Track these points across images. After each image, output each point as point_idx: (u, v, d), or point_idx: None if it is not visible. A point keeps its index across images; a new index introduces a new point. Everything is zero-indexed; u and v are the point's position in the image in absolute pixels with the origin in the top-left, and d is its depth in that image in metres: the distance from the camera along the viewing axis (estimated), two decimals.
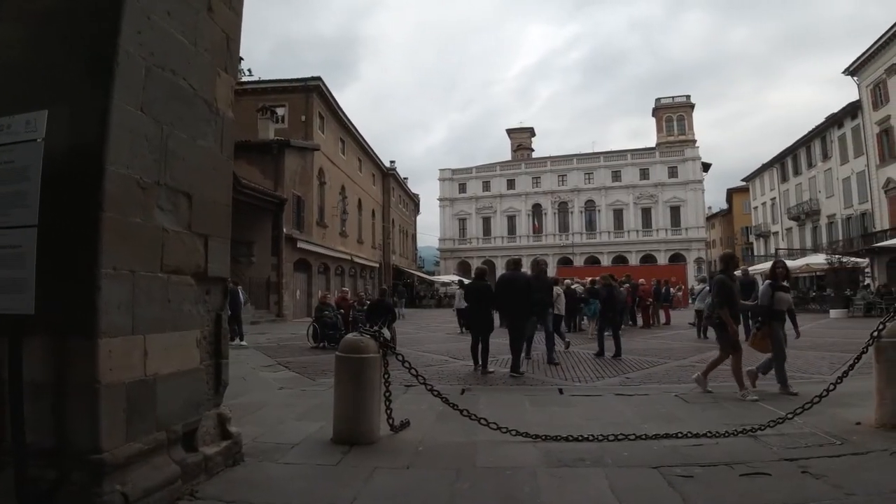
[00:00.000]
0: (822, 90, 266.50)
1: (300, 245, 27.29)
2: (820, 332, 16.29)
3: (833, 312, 23.33)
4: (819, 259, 30.57)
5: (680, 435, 4.83)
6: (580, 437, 4.71)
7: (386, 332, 11.96)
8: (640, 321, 19.16)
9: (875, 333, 5.42)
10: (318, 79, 30.84)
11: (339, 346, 4.93)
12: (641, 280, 19.94)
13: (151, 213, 3.54)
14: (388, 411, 4.92)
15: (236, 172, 22.23)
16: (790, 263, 31.06)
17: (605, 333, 11.30)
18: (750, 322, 14.08)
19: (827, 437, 4.82)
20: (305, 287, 29.20)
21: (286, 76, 32.23)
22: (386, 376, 4.84)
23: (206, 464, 3.89)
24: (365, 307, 13.68)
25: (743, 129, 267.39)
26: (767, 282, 7.61)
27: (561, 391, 7.16)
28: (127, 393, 3.28)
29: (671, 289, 21.22)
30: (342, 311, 13.90)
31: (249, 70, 33.71)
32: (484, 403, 6.32)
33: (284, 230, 25.81)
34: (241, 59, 32.89)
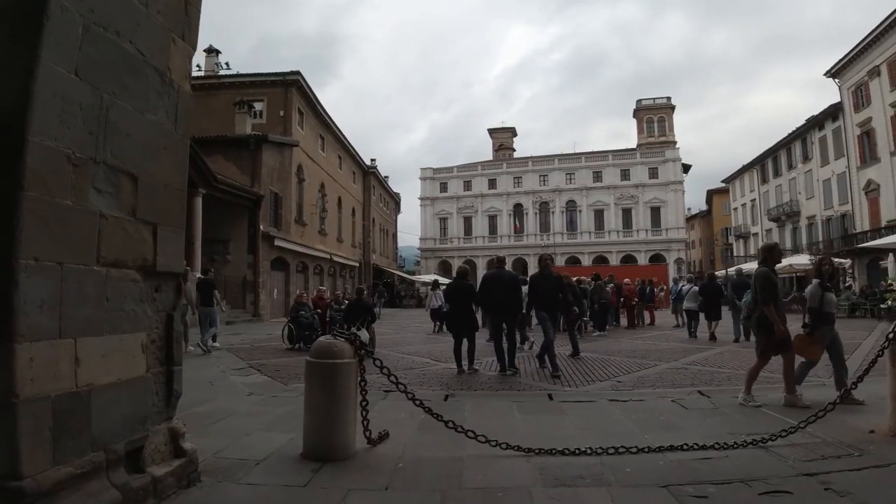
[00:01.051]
0: (799, 94, 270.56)
1: (277, 243, 26.61)
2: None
3: None
4: (802, 259, 30.51)
5: (685, 447, 4.39)
6: (577, 451, 4.25)
7: (364, 334, 11.50)
8: (623, 321, 18.88)
9: (891, 335, 5.03)
10: (298, 73, 30.16)
11: (311, 350, 4.42)
12: (626, 280, 19.64)
13: (85, 194, 3.00)
14: (365, 422, 4.43)
15: (212, 168, 21.62)
16: (735, 267, 31.19)
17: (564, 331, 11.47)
18: (741, 324, 14.14)
19: (843, 448, 4.44)
20: (283, 286, 28.54)
21: (262, 68, 31.60)
22: (362, 383, 4.34)
23: (154, 487, 3.38)
24: (342, 307, 13.11)
25: (721, 132, 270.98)
26: (815, 281, 6.75)
27: (551, 397, 6.70)
28: (53, 407, 2.75)
29: (655, 289, 20.96)
30: (319, 311, 13.33)
31: (227, 64, 32.88)
32: (469, 411, 5.85)
33: (261, 228, 25.14)
34: (219, 52, 32.31)
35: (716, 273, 17.71)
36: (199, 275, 14.74)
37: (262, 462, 4.19)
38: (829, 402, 4.95)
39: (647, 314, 19.49)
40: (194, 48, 4.20)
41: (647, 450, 4.35)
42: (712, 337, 13.77)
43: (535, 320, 10.44)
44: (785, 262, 31.65)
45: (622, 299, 18.92)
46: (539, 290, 9.28)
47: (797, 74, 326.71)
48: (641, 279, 19.13)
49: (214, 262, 23.90)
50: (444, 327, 18.92)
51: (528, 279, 10.86)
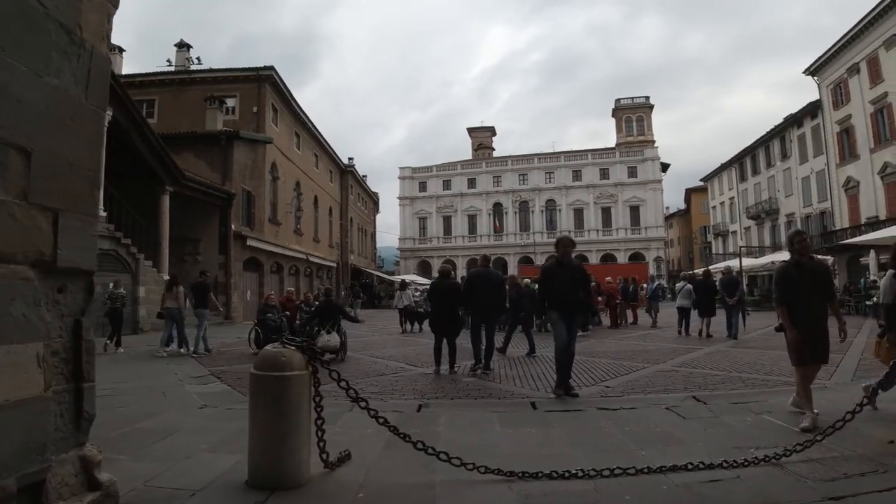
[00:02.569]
0: (773, 95, 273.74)
1: (250, 243, 25.80)
2: None
3: None
4: (784, 256, 30.30)
5: (690, 466, 3.83)
6: (566, 474, 3.67)
7: (335, 337, 10.91)
8: (606, 321, 18.41)
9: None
10: (272, 68, 29.31)
11: (255, 360, 3.78)
12: (609, 278, 19.17)
13: None
14: (321, 443, 3.81)
15: (180, 165, 20.82)
16: (754, 262, 31.05)
17: (519, 330, 12.05)
18: (734, 320, 14.07)
19: (866, 463, 3.93)
20: (256, 287, 27.69)
21: (238, 65, 30.75)
22: (317, 398, 3.71)
23: None
24: (313, 308, 12.41)
25: (697, 133, 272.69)
26: (891, 272, 5.68)
27: (534, 406, 6.11)
28: None
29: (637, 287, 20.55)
30: (288, 313, 12.62)
31: (199, 59, 31.94)
32: (444, 424, 5.26)
33: (233, 227, 24.33)
34: (190, 46, 31.43)
35: (710, 270, 17.41)
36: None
37: (200, 492, 3.55)
38: (846, 409, 4.42)
39: (629, 313, 19.07)
40: (116, 6, 3.55)
41: (646, 470, 3.79)
42: (707, 334, 13.75)
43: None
44: (766, 259, 31.57)
45: (601, 297, 18.49)
46: (554, 284, 7.12)
47: (771, 76, 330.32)
48: (624, 278, 18.66)
49: (184, 263, 23.10)
50: (414, 327, 19.34)
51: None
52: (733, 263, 28.04)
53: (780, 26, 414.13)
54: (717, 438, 4.68)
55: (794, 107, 40.69)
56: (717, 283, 15.54)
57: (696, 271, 33.43)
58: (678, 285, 17.22)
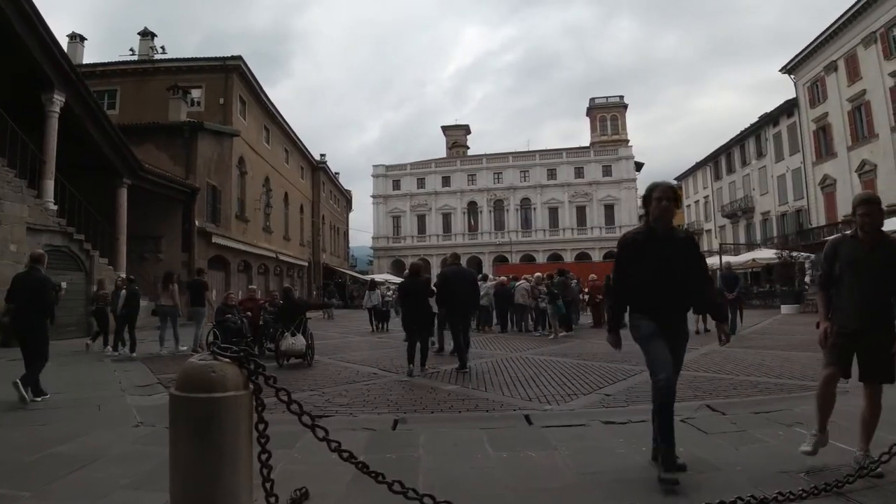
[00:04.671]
0: (744, 96, 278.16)
1: (216, 240, 24.60)
2: (784, 329, 15.19)
3: (785, 308, 22.55)
4: (766, 254, 30.01)
5: (739, 502, 3.02)
6: None
7: (300, 340, 9.94)
8: (580, 320, 17.70)
9: None
10: (239, 58, 28.10)
11: (176, 377, 2.85)
12: (593, 276, 18.44)
13: None
14: (267, 484, 2.89)
15: (140, 157, 19.63)
16: (734, 259, 30.71)
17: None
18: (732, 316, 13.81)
19: None
20: (223, 287, 26.39)
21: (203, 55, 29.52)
22: (261, 426, 2.79)
23: None
24: (276, 309, 11.36)
25: (670, 133, 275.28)
26: None
27: (529, 420, 5.24)
28: None
29: None
30: (249, 313, 11.57)
31: (163, 48, 30.54)
32: (425, 446, 4.38)
33: (197, 223, 23.14)
34: (154, 35, 30.10)
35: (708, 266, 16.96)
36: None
37: None
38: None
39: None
40: None
41: None
42: (704, 329, 13.46)
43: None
44: (747, 256, 31.25)
45: (584, 296, 17.83)
46: (644, 268, 3.87)
47: (742, 78, 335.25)
48: (608, 275, 17.89)
49: (144, 261, 21.94)
50: (383, 326, 19.26)
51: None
52: (713, 261, 27.67)
53: (750, 29, 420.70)
54: (755, 460, 3.90)
55: (767, 107, 40.62)
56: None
57: None
58: None
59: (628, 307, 4.01)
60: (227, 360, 2.68)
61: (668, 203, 3.88)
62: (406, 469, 3.75)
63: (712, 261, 28.20)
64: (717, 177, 52.71)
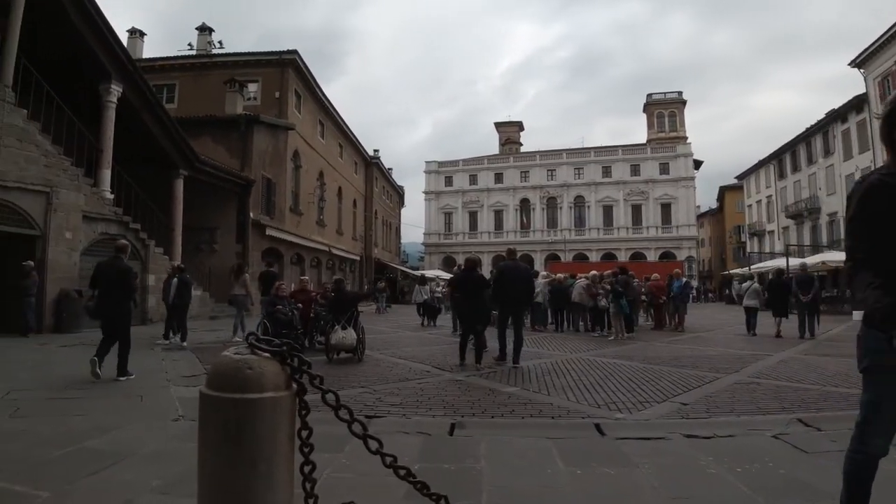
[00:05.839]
0: (802, 94, 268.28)
1: (270, 232, 24.62)
2: None
3: (856, 314, 21.22)
4: (836, 256, 28.45)
5: None
6: None
7: (350, 334, 9.60)
8: (640, 322, 16.91)
9: None
10: (295, 52, 28.12)
11: (209, 373, 2.46)
12: (655, 275, 17.59)
13: None
14: (310, 500, 2.48)
15: (196, 150, 19.73)
16: (800, 261, 29.30)
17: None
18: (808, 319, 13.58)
19: None
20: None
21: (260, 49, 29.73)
22: (304, 433, 2.38)
23: None
24: (328, 301, 11.04)
25: (725, 131, 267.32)
26: None
27: (600, 429, 4.72)
28: None
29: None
30: (300, 305, 11.27)
31: (220, 42, 30.94)
32: (486, 455, 3.92)
33: (252, 215, 23.20)
34: (212, 30, 30.45)
35: (782, 269, 16.43)
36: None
37: None
38: None
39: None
40: None
41: None
42: (777, 334, 13.23)
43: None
44: (818, 258, 29.76)
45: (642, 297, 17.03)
46: None
47: (799, 75, 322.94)
48: (670, 275, 17.08)
49: (200, 252, 22.13)
50: (431, 321, 19.15)
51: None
52: (779, 263, 26.44)
53: (805, 25, 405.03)
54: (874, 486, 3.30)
55: (827, 105, 38.86)
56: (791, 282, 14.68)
57: (734, 270, 31.67)
58: (744, 284, 16.69)
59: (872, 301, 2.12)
60: (267, 354, 2.28)
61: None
62: (466, 483, 3.31)
63: (779, 263, 27.00)
64: (781, 175, 50.47)
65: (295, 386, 2.32)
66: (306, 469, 2.38)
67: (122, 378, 7.06)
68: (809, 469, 3.73)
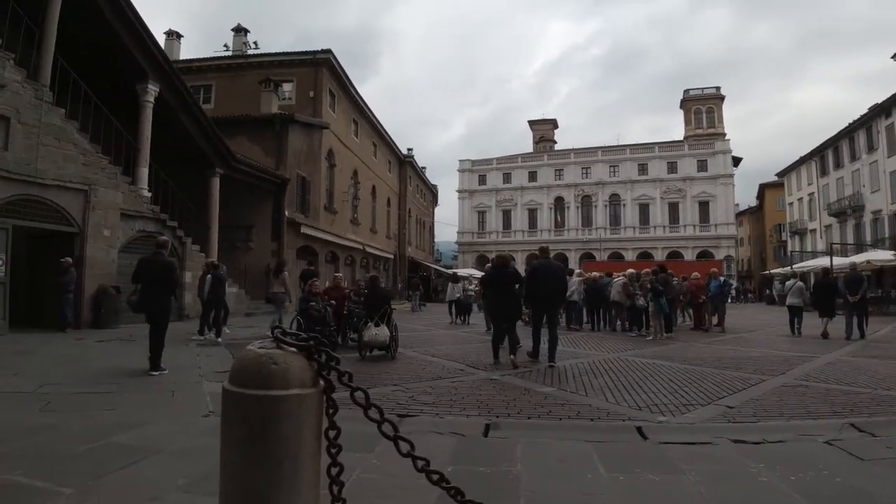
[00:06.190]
0: (842, 90, 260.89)
1: (304, 230, 24.80)
2: None
3: None
4: (883, 255, 27.57)
5: None
6: None
7: (384, 331, 9.50)
8: (678, 321, 16.44)
9: None
10: (329, 52, 28.25)
11: (231, 369, 2.35)
12: (696, 274, 17.13)
13: None
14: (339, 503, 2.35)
15: (232, 149, 19.92)
16: (845, 261, 28.45)
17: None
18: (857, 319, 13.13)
19: None
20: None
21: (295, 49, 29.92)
22: (332, 433, 2.25)
23: None
24: (362, 298, 10.98)
25: (763, 128, 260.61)
26: None
27: (642, 433, 4.52)
28: None
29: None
30: (333, 302, 11.22)
31: (255, 43, 31.25)
32: (523, 460, 3.75)
33: (287, 213, 23.37)
34: (247, 31, 30.76)
35: (828, 269, 16.00)
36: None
37: None
38: None
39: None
40: None
41: None
42: (823, 333, 12.88)
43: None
44: (863, 256, 28.82)
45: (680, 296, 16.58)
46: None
47: (840, 70, 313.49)
48: (708, 274, 16.63)
49: (236, 250, 22.35)
50: (463, 319, 19.44)
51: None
52: (822, 262, 25.63)
53: (843, 20, 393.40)
54: None
55: (869, 100, 37.58)
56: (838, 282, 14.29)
57: (774, 270, 30.87)
58: (788, 283, 16.28)
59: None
60: (293, 349, 2.15)
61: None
62: (503, 488, 3.16)
63: (822, 262, 26.15)
64: (823, 172, 48.94)
65: (322, 383, 2.20)
66: (333, 471, 2.26)
67: (154, 373, 7.15)
68: (867, 477, 3.50)
